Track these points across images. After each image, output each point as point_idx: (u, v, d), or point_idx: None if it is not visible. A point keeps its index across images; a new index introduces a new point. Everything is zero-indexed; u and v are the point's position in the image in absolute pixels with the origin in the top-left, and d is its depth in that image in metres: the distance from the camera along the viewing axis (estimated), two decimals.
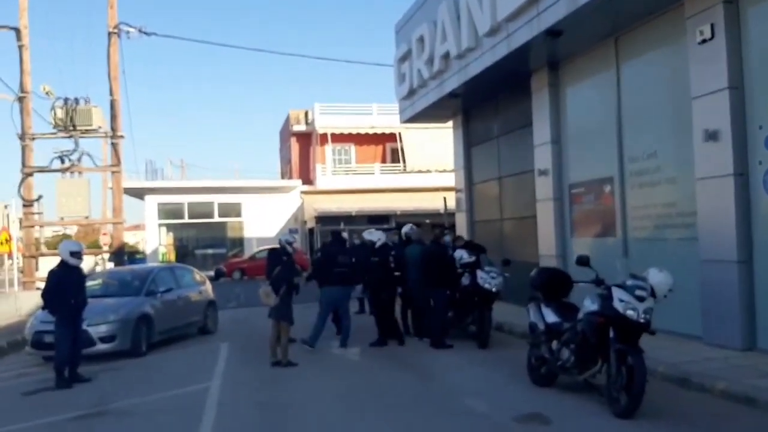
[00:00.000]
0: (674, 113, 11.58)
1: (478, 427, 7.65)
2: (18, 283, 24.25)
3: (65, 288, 11.04)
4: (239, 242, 40.70)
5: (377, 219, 36.09)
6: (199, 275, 17.17)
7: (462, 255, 13.23)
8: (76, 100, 22.24)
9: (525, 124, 16.34)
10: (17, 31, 22.47)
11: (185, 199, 39.77)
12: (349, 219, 36.54)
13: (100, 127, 22.86)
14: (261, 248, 35.08)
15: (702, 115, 10.46)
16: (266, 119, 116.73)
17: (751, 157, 9.93)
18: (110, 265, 27.62)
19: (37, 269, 23.27)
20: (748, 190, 9.97)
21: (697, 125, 10.52)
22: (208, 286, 17.08)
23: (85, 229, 46.24)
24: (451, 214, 22.43)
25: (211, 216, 40.42)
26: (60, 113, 22.03)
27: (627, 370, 7.44)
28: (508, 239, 18.04)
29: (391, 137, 41.48)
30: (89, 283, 12.49)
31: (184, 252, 39.90)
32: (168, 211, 39.83)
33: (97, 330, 12.50)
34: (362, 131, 41.61)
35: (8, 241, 23.43)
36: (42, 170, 22.86)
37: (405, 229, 14.34)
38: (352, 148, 42.89)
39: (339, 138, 41.75)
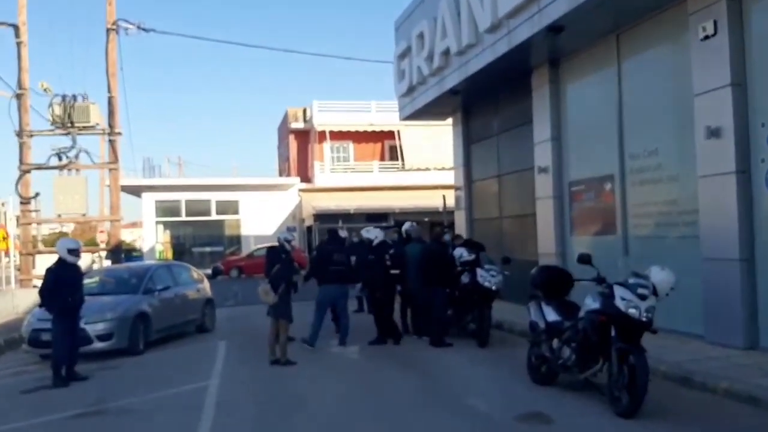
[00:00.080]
0: (676, 110, 11.52)
1: (479, 426, 7.59)
2: (15, 280, 24.14)
3: (63, 285, 10.96)
4: (236, 240, 40.62)
5: (376, 217, 36.03)
6: (196, 273, 17.09)
7: (462, 253, 13.16)
8: (74, 97, 22.12)
9: (525, 122, 16.29)
10: (16, 27, 22.36)
11: (182, 197, 39.72)
12: (347, 217, 36.44)
13: (97, 124, 22.76)
14: (259, 246, 35.01)
15: (704, 112, 10.41)
16: (264, 116, 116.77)
17: (753, 155, 9.88)
18: (107, 263, 27.53)
19: (34, 267, 23.22)
20: (751, 188, 9.93)
21: (700, 122, 10.47)
22: (206, 284, 17.02)
23: (82, 226, 46.21)
24: (450, 212, 22.37)
25: (208, 214, 40.36)
26: (58, 110, 21.91)
27: (629, 369, 7.39)
28: (507, 237, 17.98)
29: (390, 135, 41.41)
30: (86, 281, 12.41)
31: (181, 250, 39.86)
32: (165, 209, 39.77)
33: (94, 328, 12.41)
34: (361, 129, 41.54)
35: (5, 238, 23.31)
36: (39, 167, 22.75)
37: (405, 226, 14.30)
38: (351, 146, 42.83)
39: (337, 135, 41.70)
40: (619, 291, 7.70)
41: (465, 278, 12.83)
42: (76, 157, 22.54)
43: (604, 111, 13.45)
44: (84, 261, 16.54)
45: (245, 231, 40.26)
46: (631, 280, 7.79)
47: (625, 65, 12.87)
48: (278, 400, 9.10)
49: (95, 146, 35.98)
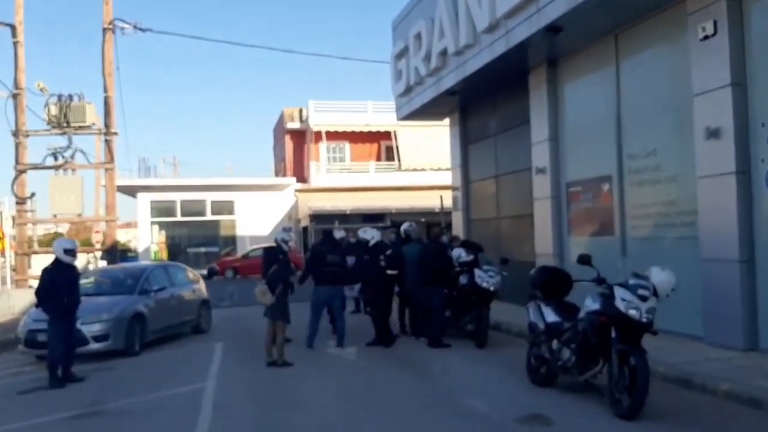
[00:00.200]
0: (674, 110, 11.49)
1: (480, 428, 7.54)
2: (11, 281, 24.05)
3: (59, 286, 10.90)
4: (232, 240, 40.56)
5: (372, 217, 35.94)
6: (192, 274, 17.02)
7: (460, 254, 13.12)
8: (70, 97, 22.02)
9: (522, 122, 16.26)
10: (12, 27, 22.24)
11: (178, 197, 39.65)
12: (343, 217, 36.35)
13: (93, 124, 22.65)
14: (254, 247, 35.03)
15: (704, 113, 10.38)
16: (260, 116, 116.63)
17: (753, 155, 9.85)
18: (102, 263, 27.43)
19: (29, 267, 23.11)
20: (751, 188, 9.89)
21: (699, 123, 10.44)
22: (202, 284, 16.94)
23: (77, 227, 45.97)
24: (447, 213, 22.33)
25: (203, 214, 40.31)
26: (54, 110, 21.81)
27: (630, 370, 7.35)
28: (504, 238, 17.94)
29: (386, 135, 41.38)
30: (82, 282, 12.34)
31: (176, 250, 39.71)
32: (160, 209, 39.70)
33: (90, 329, 12.34)
34: (357, 129, 41.49)
35: (1, 238, 23.22)
36: (35, 167, 22.64)
37: (404, 226, 14.25)
38: (347, 146, 42.79)
39: (333, 136, 41.63)
40: (619, 292, 7.66)
41: (463, 279, 12.79)
42: (72, 157, 22.45)
43: (602, 111, 13.41)
44: (80, 261, 16.42)
45: (240, 231, 40.21)
46: (632, 281, 7.75)
47: (623, 65, 12.84)
48: (276, 401, 9.05)
49: (91, 146, 35.89)
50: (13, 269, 24.03)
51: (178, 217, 40.04)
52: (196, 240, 41.46)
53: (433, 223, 24.09)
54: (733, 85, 9.92)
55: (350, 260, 13.52)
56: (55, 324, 10.88)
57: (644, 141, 12.24)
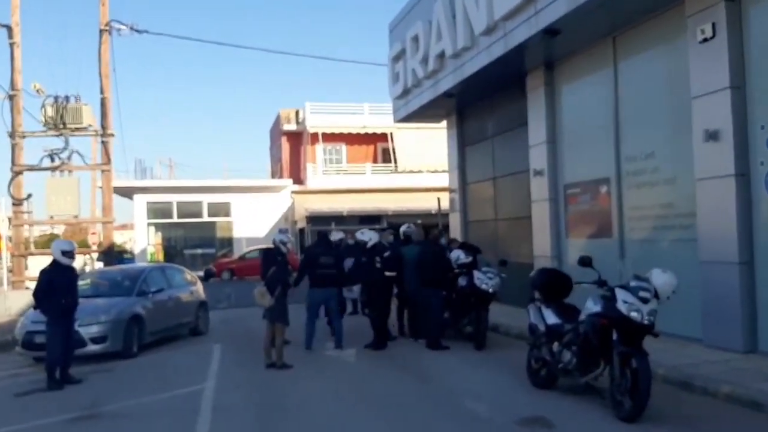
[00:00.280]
0: (673, 113, 11.50)
1: (480, 430, 7.54)
2: (7, 282, 23.99)
3: (57, 287, 10.87)
4: (228, 242, 40.48)
5: (368, 219, 35.87)
6: (190, 275, 16.99)
7: (459, 255, 13.09)
8: (67, 98, 21.99)
9: (520, 124, 16.25)
10: (9, 28, 22.20)
11: (174, 199, 39.54)
12: (340, 219, 36.34)
13: (90, 125, 22.61)
14: (251, 248, 35.01)
15: (702, 115, 10.38)
16: (256, 118, 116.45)
17: (752, 158, 9.86)
18: (99, 265, 27.38)
19: (26, 268, 23.07)
20: (750, 191, 9.90)
21: (698, 125, 10.44)
22: (199, 286, 16.91)
23: (73, 228, 45.85)
24: (444, 215, 22.32)
25: (200, 216, 40.22)
26: (50, 111, 21.78)
27: (631, 373, 7.34)
28: (502, 240, 17.94)
29: (383, 137, 41.35)
30: (80, 283, 12.30)
31: (172, 252, 39.64)
32: (157, 211, 39.58)
33: (88, 330, 12.31)
34: (353, 131, 41.45)
35: None
36: (32, 168, 22.60)
37: (404, 228, 14.24)
38: (343, 148, 42.73)
39: (330, 137, 41.59)
40: (620, 294, 7.65)
41: (462, 281, 12.77)
42: (69, 158, 22.42)
43: (600, 113, 13.42)
44: (77, 263, 16.37)
45: (237, 233, 40.13)
46: (633, 283, 7.74)
47: (621, 67, 12.84)
48: (275, 403, 9.02)
49: (87, 147, 35.84)
50: (10, 271, 23.97)
51: (175, 219, 39.93)
52: (192, 241, 41.35)
53: (430, 225, 24.07)
54: (732, 88, 9.91)
55: (349, 262, 13.51)
56: (53, 325, 10.84)
57: (642, 143, 12.25)
